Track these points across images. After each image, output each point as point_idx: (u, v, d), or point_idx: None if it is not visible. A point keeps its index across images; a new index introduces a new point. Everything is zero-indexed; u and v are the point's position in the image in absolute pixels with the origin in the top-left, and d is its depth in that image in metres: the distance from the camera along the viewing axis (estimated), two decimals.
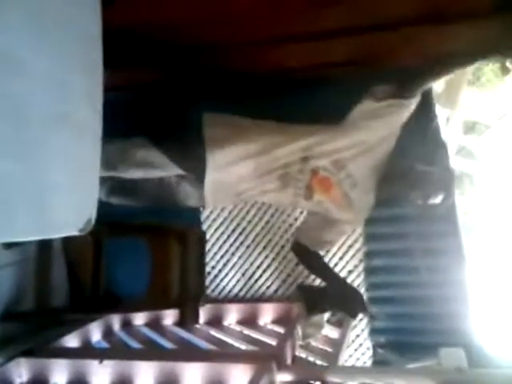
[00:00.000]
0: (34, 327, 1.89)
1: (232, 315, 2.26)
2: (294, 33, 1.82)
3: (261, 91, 2.19)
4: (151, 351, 1.99)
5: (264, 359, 1.46)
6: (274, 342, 1.92)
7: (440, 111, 2.45)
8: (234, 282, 2.40)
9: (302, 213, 2.27)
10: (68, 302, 2.15)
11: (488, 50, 1.54)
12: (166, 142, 1.79)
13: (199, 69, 2.08)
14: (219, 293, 2.41)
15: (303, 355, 1.84)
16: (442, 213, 1.81)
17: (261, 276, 2.37)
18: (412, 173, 1.69)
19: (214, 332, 2.15)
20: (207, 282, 2.39)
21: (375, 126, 1.67)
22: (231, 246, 2.41)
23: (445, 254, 2.11)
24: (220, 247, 2.42)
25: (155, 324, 2.26)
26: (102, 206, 1.13)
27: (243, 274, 2.39)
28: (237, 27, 1.77)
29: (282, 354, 1.57)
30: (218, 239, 2.41)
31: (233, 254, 2.40)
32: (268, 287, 2.36)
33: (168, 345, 2.05)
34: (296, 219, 2.32)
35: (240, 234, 2.40)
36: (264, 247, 2.37)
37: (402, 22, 1.70)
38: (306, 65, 2.07)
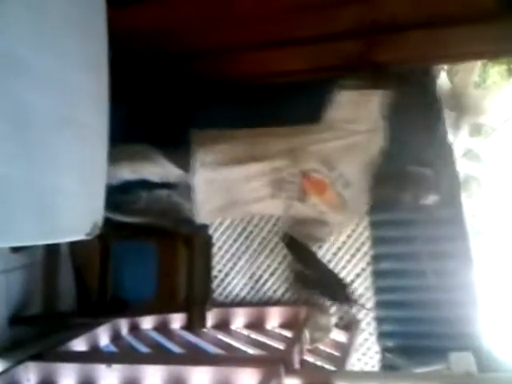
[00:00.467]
0: (42, 331, 1.90)
1: (239, 319, 2.26)
2: (282, 38, 1.82)
3: (246, 97, 2.19)
4: (159, 355, 1.99)
5: (272, 363, 1.46)
6: (281, 346, 1.91)
7: (446, 114, 2.44)
8: (240, 285, 2.40)
9: None
10: (75, 306, 2.16)
11: (494, 51, 1.54)
12: (161, 143, 1.83)
13: (190, 76, 2.07)
14: (226, 296, 2.41)
15: (311, 359, 1.83)
16: (450, 216, 1.81)
17: (268, 279, 2.37)
18: (404, 174, 1.70)
19: (221, 336, 2.15)
20: (214, 285, 2.39)
21: (353, 116, 1.73)
22: (238, 249, 2.40)
23: (453, 258, 2.10)
24: (226, 251, 2.41)
25: (163, 328, 2.26)
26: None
27: (250, 278, 2.39)
28: (227, 32, 1.77)
29: (289, 358, 1.56)
30: (224, 243, 2.41)
31: (239, 258, 2.40)
32: (275, 291, 2.36)
33: (175, 349, 2.05)
34: None
35: (246, 237, 2.39)
36: (271, 250, 2.36)
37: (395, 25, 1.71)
38: (295, 69, 2.06)
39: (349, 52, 1.87)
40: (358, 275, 2.26)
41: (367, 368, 2.24)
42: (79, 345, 1.90)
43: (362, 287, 2.23)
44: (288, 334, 2.06)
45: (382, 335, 2.22)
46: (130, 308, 2.11)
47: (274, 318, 2.22)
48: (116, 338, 2.14)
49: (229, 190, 1.82)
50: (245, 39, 1.84)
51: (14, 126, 0.89)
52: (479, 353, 1.58)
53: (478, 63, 2.96)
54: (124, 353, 2.05)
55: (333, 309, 2.14)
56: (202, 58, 1.95)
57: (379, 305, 2.20)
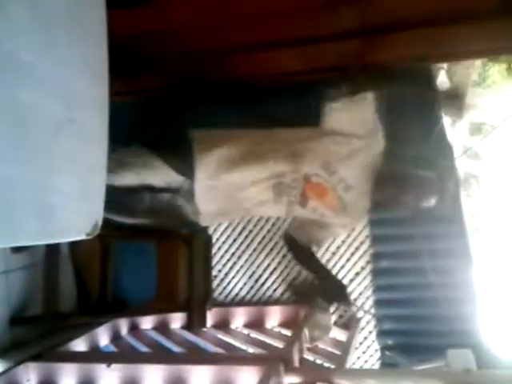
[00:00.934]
0: (43, 331, 1.91)
1: (239, 318, 2.26)
2: (281, 39, 1.82)
3: (246, 97, 2.19)
4: (159, 355, 2.00)
5: (271, 362, 1.47)
6: (281, 345, 1.92)
7: (446, 113, 2.44)
8: (240, 285, 2.40)
9: None
10: (76, 307, 2.17)
11: (494, 50, 1.54)
12: (161, 148, 1.81)
13: (196, 77, 2.08)
14: (226, 296, 2.41)
15: (311, 358, 1.84)
16: (449, 214, 1.81)
17: (267, 279, 2.37)
18: (405, 176, 1.70)
19: (221, 335, 2.16)
20: (214, 285, 2.39)
21: (349, 123, 1.74)
22: (237, 249, 2.41)
23: (452, 256, 2.10)
24: (226, 250, 2.42)
25: (163, 328, 2.26)
26: None
27: (250, 277, 2.39)
28: (226, 33, 1.77)
29: (289, 356, 1.57)
30: (224, 242, 2.42)
31: (239, 257, 2.41)
32: (275, 290, 2.36)
33: (175, 348, 2.05)
34: None
35: (246, 236, 2.40)
36: (270, 250, 2.36)
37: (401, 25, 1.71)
38: (294, 70, 2.06)
39: (347, 52, 1.88)
40: (357, 274, 2.26)
41: (367, 366, 2.25)
42: (79, 345, 1.91)
43: (361, 286, 2.24)
44: (288, 332, 2.06)
45: (381, 333, 2.23)
46: (129, 308, 2.12)
47: (274, 317, 2.23)
48: (116, 337, 2.15)
49: (230, 196, 1.82)
50: (244, 40, 1.84)
51: (14, 126, 0.90)
52: (478, 350, 1.58)
53: (478, 62, 2.96)
54: (124, 353, 2.06)
55: (332, 307, 2.14)
56: (202, 59, 1.96)
57: (378, 303, 2.21)
